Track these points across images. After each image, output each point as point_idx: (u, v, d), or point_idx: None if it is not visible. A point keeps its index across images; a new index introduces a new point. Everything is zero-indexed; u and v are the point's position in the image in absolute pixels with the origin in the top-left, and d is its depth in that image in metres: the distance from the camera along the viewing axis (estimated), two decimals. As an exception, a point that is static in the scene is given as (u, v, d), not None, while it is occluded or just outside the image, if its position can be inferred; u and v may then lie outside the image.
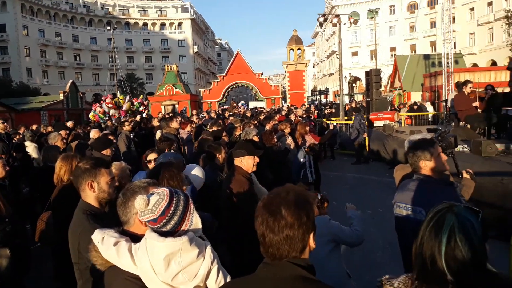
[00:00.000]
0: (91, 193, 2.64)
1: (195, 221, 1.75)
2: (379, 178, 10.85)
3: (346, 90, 63.14)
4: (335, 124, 11.03)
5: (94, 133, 8.54)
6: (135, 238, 1.82)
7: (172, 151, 5.03)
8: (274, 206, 1.37)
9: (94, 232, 1.86)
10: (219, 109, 23.02)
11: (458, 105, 9.44)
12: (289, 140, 7.70)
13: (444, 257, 1.29)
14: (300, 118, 10.74)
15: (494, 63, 43.97)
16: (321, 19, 19.74)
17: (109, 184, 2.70)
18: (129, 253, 1.70)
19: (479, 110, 9.31)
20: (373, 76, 15.97)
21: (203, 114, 14.92)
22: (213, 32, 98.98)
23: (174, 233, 1.68)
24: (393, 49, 59.81)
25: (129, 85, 49.06)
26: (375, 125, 14.89)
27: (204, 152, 4.72)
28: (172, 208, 1.68)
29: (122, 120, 10.99)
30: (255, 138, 7.26)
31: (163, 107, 37.87)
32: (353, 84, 61.71)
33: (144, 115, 16.39)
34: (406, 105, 21.18)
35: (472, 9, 51.37)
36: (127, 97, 20.96)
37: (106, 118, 20.03)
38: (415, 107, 19.40)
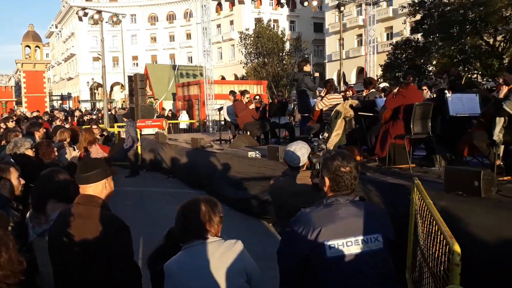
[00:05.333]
0: None
1: None
2: (160, 189, 10.26)
3: (87, 96, 59.15)
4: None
5: None
6: None
7: None
8: None
9: None
10: None
11: (238, 112, 9.88)
12: (74, 152, 6.06)
13: None
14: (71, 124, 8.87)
15: (223, 78, 50.13)
16: (81, 13, 17.26)
17: None
18: None
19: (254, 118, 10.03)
20: (138, 81, 15.06)
21: None
22: None
23: None
24: (135, 57, 60.29)
25: None
26: (143, 133, 14.13)
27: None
28: None
29: None
30: (30, 152, 5.39)
31: None
32: (95, 91, 58.40)
33: None
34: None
35: (205, 28, 57.68)
36: None
37: None
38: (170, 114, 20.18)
